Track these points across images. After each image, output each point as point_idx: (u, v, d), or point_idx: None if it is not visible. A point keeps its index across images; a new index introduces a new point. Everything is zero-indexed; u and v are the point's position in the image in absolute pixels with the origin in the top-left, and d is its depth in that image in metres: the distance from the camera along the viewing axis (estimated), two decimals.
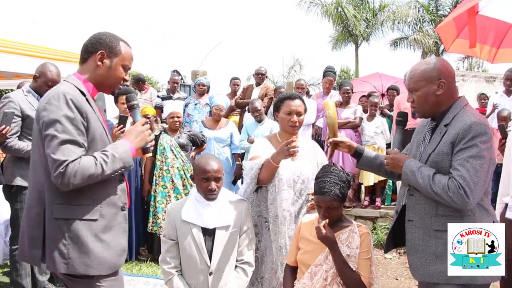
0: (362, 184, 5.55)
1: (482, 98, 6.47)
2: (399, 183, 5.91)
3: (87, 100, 1.65)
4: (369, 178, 5.15)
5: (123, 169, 1.65)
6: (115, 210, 1.70)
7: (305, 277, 1.98)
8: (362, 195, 5.63)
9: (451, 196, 1.64)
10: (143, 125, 1.79)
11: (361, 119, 5.24)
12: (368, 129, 5.18)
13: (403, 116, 2.05)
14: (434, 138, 1.79)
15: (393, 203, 5.58)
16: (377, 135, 5.13)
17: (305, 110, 2.39)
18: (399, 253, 4.74)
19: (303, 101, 2.39)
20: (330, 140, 2.16)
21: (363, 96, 5.92)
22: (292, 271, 2.15)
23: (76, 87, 1.65)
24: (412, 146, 2.00)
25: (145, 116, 4.74)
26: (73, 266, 1.58)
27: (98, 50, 1.70)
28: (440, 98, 1.77)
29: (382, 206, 5.36)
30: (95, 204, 1.62)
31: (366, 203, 5.39)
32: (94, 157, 1.57)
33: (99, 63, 1.70)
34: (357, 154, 2.16)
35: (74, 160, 1.51)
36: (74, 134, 1.54)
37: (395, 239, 2.01)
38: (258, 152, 2.40)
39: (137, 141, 1.74)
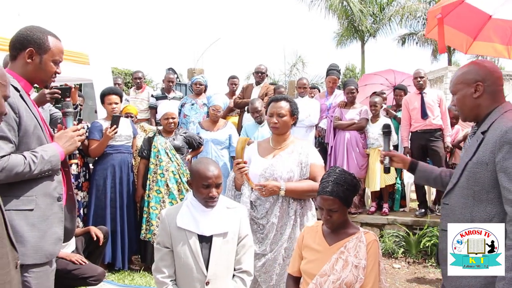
0: (366, 188, 5.56)
1: None
2: (408, 188, 5.94)
3: (21, 96, 1.75)
4: (375, 183, 5.16)
5: (50, 171, 1.77)
6: (51, 201, 1.81)
7: None
8: (369, 201, 5.63)
9: None
10: (74, 131, 1.94)
11: (367, 120, 5.25)
12: (372, 131, 5.18)
13: (388, 128, 2.27)
14: (471, 145, 1.82)
15: (401, 209, 5.60)
16: (381, 137, 5.13)
17: (292, 112, 2.57)
18: (408, 262, 4.74)
19: (290, 102, 2.58)
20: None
21: (374, 93, 5.94)
22: (295, 282, 2.15)
23: (11, 84, 1.71)
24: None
25: (128, 115, 4.76)
26: None
27: (27, 47, 1.79)
28: (479, 102, 1.82)
29: (390, 212, 5.37)
30: (29, 194, 1.73)
31: (373, 209, 5.39)
32: (24, 156, 1.69)
33: (29, 60, 1.80)
34: None
35: (3, 156, 1.63)
36: (4, 130, 1.65)
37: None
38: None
39: (67, 145, 1.89)
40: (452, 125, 5.20)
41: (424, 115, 5.00)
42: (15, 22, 4.48)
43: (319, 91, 6.48)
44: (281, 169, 2.49)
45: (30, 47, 1.79)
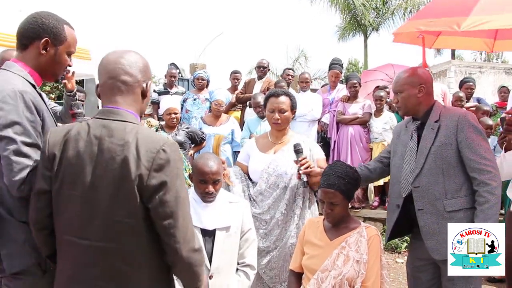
0: (370, 183, 5.55)
1: (503, 91, 6.40)
2: None
3: (39, 94, 1.65)
4: None
5: None
6: None
7: (311, 284, 1.99)
8: (372, 195, 5.63)
9: None
10: None
11: (370, 114, 5.23)
12: (376, 125, 5.17)
13: (298, 146, 2.40)
14: (427, 134, 2.18)
15: None
16: (385, 132, 5.12)
17: (292, 107, 2.56)
18: None
19: (290, 97, 2.56)
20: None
21: (377, 87, 5.93)
22: (296, 278, 2.16)
23: (26, 80, 1.62)
24: (396, 146, 2.37)
25: None
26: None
27: (42, 37, 1.62)
28: (420, 100, 2.21)
29: None
30: None
31: (375, 203, 5.39)
32: None
33: (43, 51, 1.63)
34: None
35: (34, 167, 1.49)
36: (34, 137, 1.53)
37: (399, 229, 2.33)
38: (240, 157, 2.73)
39: None
40: None
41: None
42: (16, 18, 4.49)
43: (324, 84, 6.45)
44: (285, 164, 2.48)
45: (46, 37, 1.62)
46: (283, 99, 2.52)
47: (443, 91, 5.12)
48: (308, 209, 2.58)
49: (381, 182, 5.16)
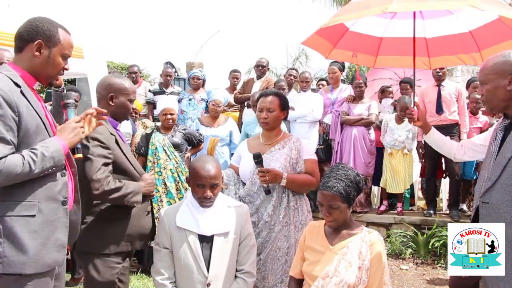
0: (373, 187, 5.54)
1: None
2: (416, 186, 5.90)
3: (22, 92, 1.69)
4: (399, 185, 5.10)
5: (53, 168, 1.72)
6: (55, 205, 1.76)
7: None
8: (375, 199, 5.63)
9: None
10: (77, 122, 1.87)
11: (377, 116, 5.21)
12: (399, 133, 5.09)
13: (258, 157, 2.44)
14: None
15: (411, 208, 5.60)
16: (408, 140, 5.06)
17: (282, 107, 2.63)
18: (416, 263, 4.76)
19: (279, 97, 2.64)
20: None
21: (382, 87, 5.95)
22: (297, 284, 2.16)
23: (10, 79, 1.69)
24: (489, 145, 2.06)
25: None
26: (9, 265, 1.62)
27: (35, 39, 1.74)
28: (511, 94, 1.85)
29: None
30: (32, 199, 1.69)
31: (383, 208, 5.37)
32: (22, 156, 1.63)
33: (37, 53, 1.75)
34: None
35: (0, 158, 1.57)
36: (2, 131, 1.60)
37: None
38: (233, 159, 2.82)
39: (70, 137, 1.80)
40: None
41: (439, 110, 4.94)
42: (4, 14, 4.50)
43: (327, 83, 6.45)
44: (273, 165, 2.52)
45: (39, 39, 1.74)
46: (272, 98, 2.61)
47: (458, 90, 5.00)
48: (304, 206, 2.64)
49: (401, 189, 5.11)
